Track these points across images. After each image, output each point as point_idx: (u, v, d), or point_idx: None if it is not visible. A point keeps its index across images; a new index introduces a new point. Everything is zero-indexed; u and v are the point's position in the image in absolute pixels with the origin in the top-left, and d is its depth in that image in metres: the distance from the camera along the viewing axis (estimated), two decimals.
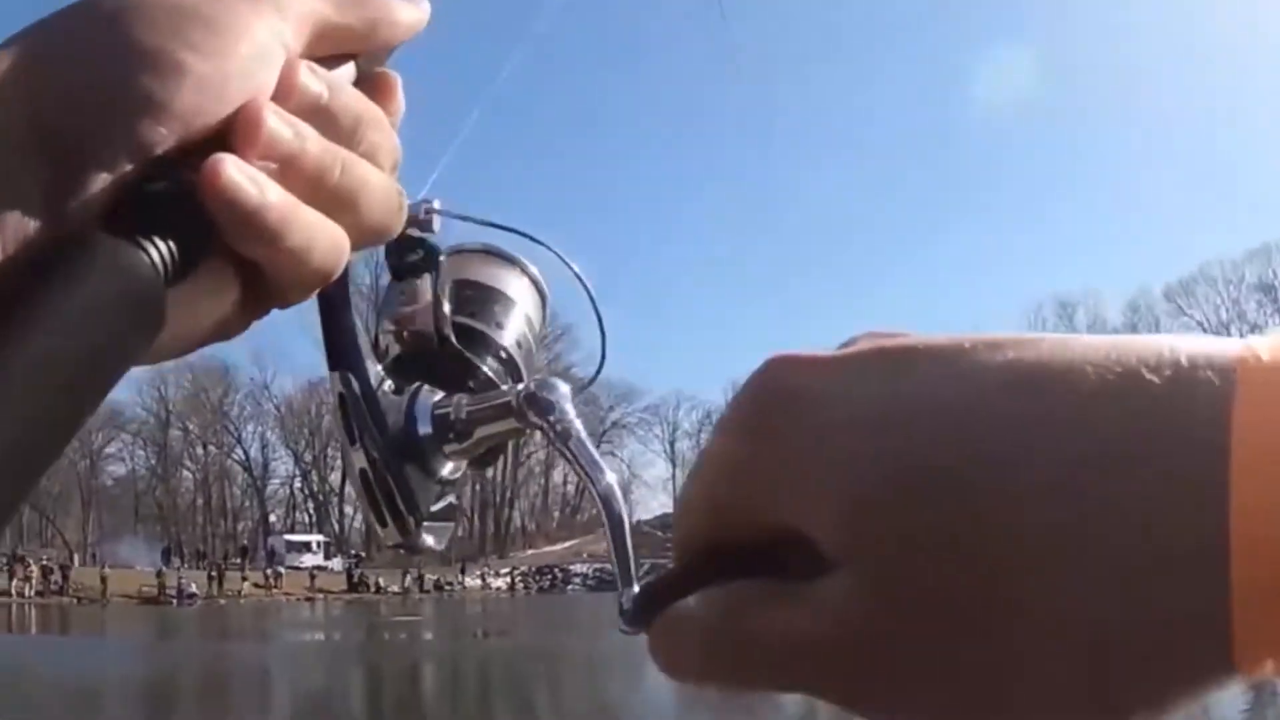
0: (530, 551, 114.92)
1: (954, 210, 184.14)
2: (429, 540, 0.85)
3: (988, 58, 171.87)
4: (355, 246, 0.59)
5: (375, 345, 0.92)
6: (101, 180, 0.49)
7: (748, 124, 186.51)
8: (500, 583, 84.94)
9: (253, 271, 0.53)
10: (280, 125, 0.52)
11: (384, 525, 0.83)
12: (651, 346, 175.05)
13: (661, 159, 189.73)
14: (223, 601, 68.06)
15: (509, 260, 1.01)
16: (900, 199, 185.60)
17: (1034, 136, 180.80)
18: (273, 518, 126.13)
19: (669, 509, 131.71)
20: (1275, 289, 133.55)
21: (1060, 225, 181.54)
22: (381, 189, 0.57)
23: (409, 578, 79.43)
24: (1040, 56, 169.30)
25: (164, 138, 0.49)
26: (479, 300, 0.93)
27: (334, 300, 0.80)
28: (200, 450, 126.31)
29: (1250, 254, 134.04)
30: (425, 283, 0.83)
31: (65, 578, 67.29)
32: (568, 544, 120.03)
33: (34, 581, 65.70)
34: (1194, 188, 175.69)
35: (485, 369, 0.88)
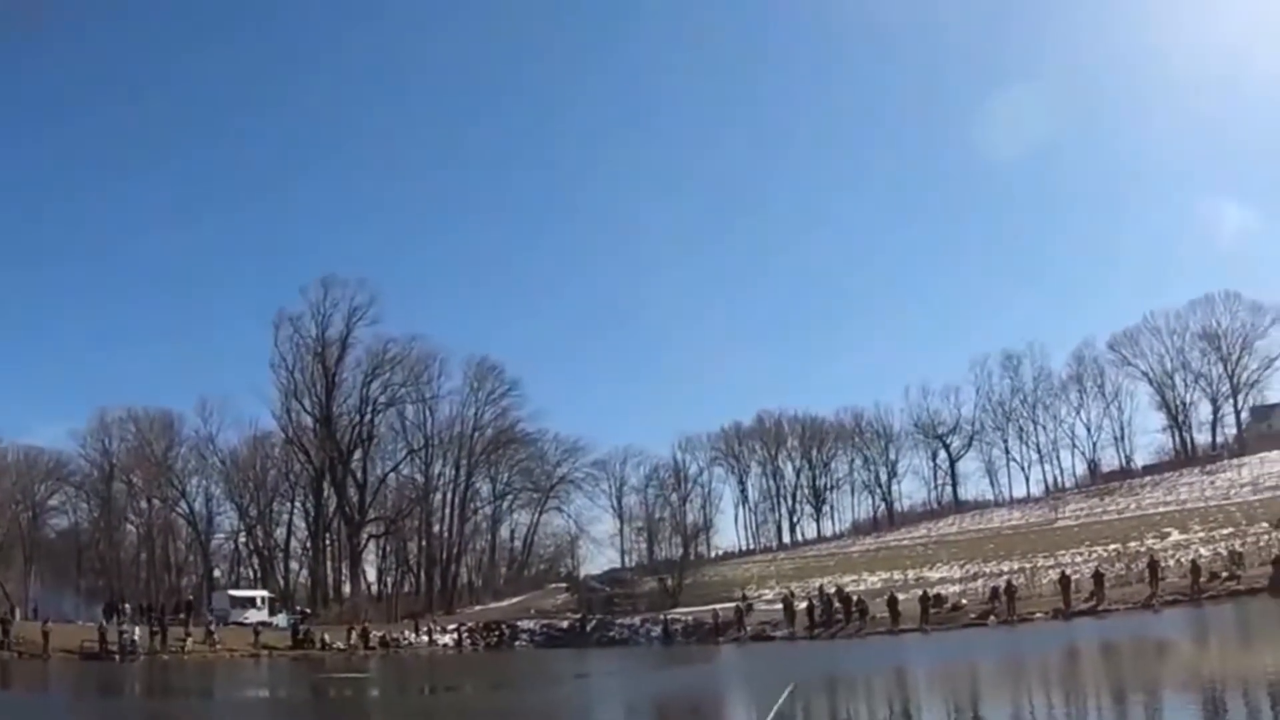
0: (478, 607, 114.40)
1: (899, 264, 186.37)
2: None
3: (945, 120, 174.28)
4: None
5: None
6: None
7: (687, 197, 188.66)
8: (447, 639, 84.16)
9: None
10: None
11: None
12: (600, 401, 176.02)
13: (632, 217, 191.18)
14: (166, 657, 67.38)
15: None
16: (839, 254, 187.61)
17: (981, 190, 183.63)
18: (217, 573, 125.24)
19: (616, 564, 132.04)
20: (1219, 338, 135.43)
21: (1005, 278, 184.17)
22: None
23: (354, 634, 78.76)
24: (1000, 117, 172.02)
25: None
26: None
27: None
28: (144, 504, 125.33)
29: (1193, 303, 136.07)
30: None
31: (6, 632, 66.29)
32: (515, 600, 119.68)
33: None
34: (1139, 239, 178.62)
35: None
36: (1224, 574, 65.46)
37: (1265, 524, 79.67)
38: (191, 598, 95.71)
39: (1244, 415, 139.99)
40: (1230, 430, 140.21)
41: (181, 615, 79.00)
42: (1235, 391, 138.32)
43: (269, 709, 42.46)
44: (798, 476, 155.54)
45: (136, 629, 69.96)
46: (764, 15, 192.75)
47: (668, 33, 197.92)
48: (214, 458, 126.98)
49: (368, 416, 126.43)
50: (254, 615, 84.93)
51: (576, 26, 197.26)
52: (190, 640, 71.04)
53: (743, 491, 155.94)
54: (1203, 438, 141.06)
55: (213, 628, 74.59)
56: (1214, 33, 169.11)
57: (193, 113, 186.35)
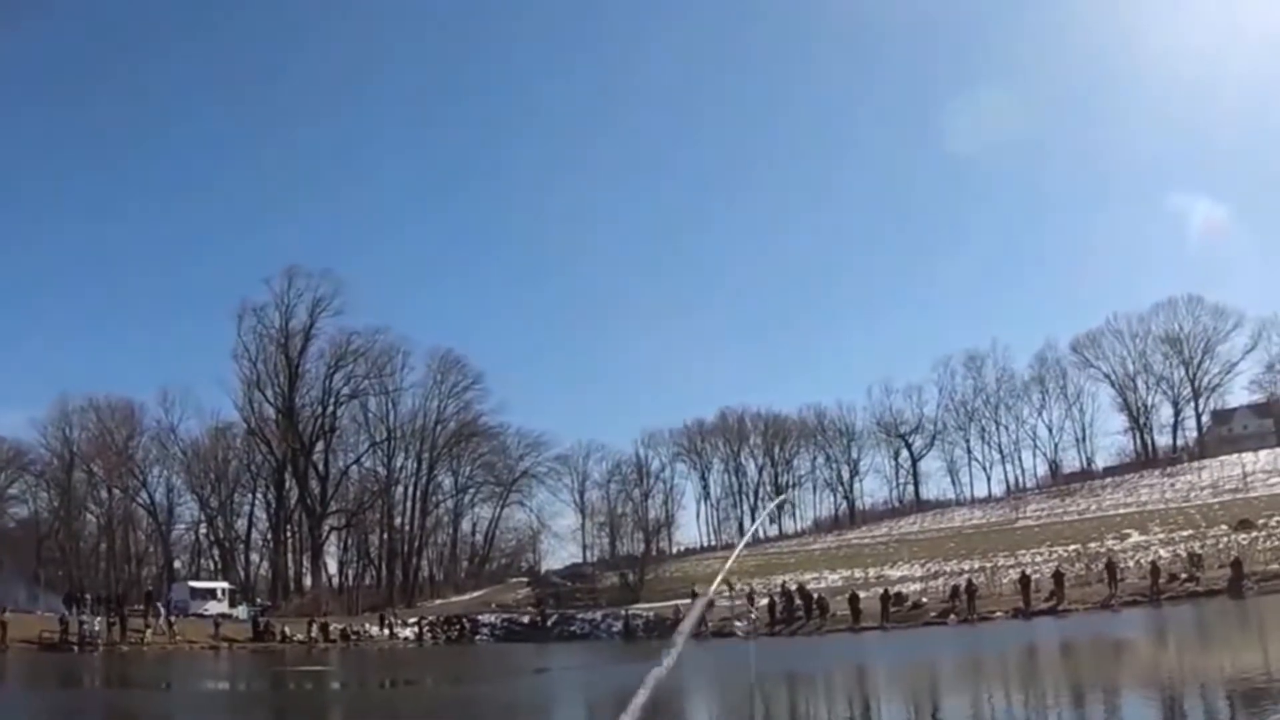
0: (438, 601, 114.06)
1: (866, 263, 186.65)
2: None
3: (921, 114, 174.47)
4: None
5: None
6: None
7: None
8: (408, 632, 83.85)
9: None
10: None
11: None
12: (563, 396, 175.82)
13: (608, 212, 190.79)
14: (125, 649, 66.98)
15: None
16: (805, 253, 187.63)
17: (950, 190, 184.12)
18: (177, 564, 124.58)
19: (578, 559, 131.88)
20: (1181, 341, 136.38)
21: (972, 278, 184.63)
22: None
23: (315, 627, 78.39)
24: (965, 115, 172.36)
25: None
26: None
27: None
28: (105, 493, 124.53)
29: (1156, 307, 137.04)
30: None
31: None
32: (476, 594, 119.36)
33: None
34: (1108, 241, 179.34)
35: None
36: (1183, 575, 65.95)
37: (1224, 526, 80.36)
38: (151, 589, 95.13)
39: (1205, 419, 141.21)
40: (1191, 433, 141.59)
41: (140, 607, 78.53)
42: (1196, 395, 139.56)
43: (229, 702, 42.29)
44: (760, 473, 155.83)
45: (96, 620, 69.55)
46: (739, 12, 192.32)
47: (642, 29, 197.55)
48: (175, 448, 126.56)
49: (330, 408, 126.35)
50: (214, 607, 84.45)
51: (549, 17, 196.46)
52: (150, 632, 70.68)
53: (705, 488, 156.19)
54: (1163, 440, 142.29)
55: (172, 619, 74.14)
56: (1188, 36, 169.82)
57: (157, 102, 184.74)
